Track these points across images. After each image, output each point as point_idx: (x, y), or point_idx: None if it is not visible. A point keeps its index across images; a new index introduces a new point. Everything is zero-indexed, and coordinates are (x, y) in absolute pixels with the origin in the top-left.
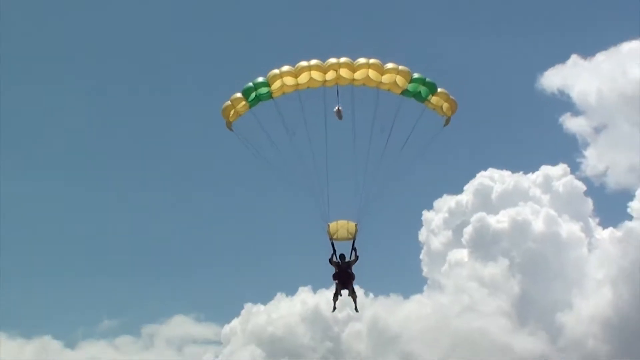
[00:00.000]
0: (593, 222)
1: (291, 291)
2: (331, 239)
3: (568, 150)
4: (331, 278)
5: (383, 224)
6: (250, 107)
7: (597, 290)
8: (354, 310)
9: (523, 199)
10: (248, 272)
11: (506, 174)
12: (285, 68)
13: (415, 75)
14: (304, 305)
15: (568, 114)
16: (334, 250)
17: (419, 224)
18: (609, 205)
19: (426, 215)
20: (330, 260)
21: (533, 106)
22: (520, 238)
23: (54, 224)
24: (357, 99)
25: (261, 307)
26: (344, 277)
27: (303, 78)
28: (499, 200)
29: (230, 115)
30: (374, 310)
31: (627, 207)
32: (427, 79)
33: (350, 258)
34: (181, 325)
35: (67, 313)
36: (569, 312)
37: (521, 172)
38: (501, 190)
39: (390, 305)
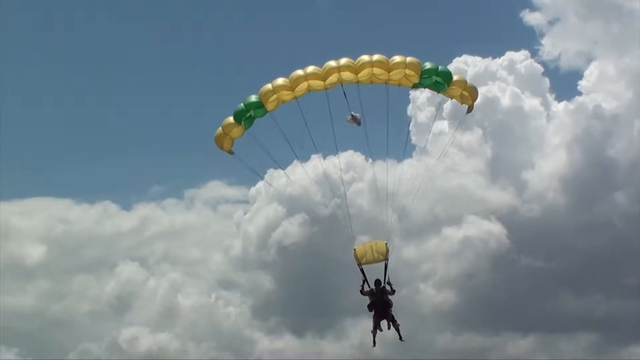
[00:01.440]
0: (550, 97)
1: (305, 158)
2: (360, 264)
3: (528, 39)
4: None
5: (379, 104)
6: (245, 129)
7: (554, 153)
8: (399, 340)
9: (492, 79)
10: (271, 143)
11: (477, 59)
12: (280, 82)
13: (427, 66)
14: (315, 170)
15: (527, 10)
16: (365, 278)
17: (407, 101)
18: (562, 83)
19: (413, 94)
20: (362, 291)
21: (499, 4)
22: (491, 111)
23: (108, 107)
24: (365, 96)
25: (281, 171)
26: (380, 306)
27: (300, 89)
28: (472, 81)
29: (225, 144)
30: (373, 172)
31: (577, 85)
32: (440, 68)
33: (385, 283)
34: (216, 188)
35: (123, 181)
36: (531, 170)
37: (490, 58)
38: (474, 73)
39: (386, 167)
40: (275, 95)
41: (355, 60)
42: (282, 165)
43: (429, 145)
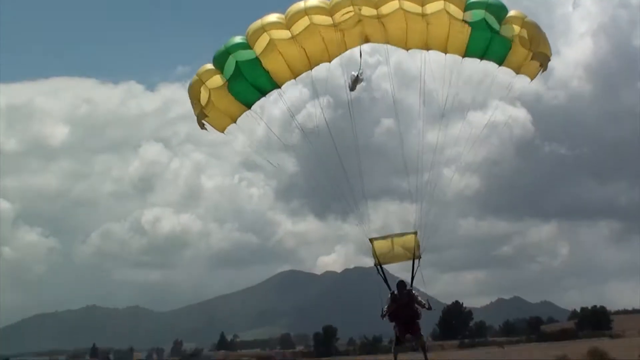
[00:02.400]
0: None
1: None
2: (379, 264)
3: None
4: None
5: None
6: (228, 79)
7: (580, 41)
8: None
9: None
10: None
11: None
12: (272, 18)
13: None
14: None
15: None
16: (387, 283)
17: None
18: None
19: None
20: (383, 313)
21: None
22: None
23: None
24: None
25: None
26: (404, 316)
27: (298, 29)
28: None
29: (202, 97)
30: (398, 55)
31: None
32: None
33: (411, 286)
34: None
35: (148, 61)
36: (557, 58)
37: None
38: None
39: (412, 50)
40: (265, 34)
41: None
42: None
43: None
